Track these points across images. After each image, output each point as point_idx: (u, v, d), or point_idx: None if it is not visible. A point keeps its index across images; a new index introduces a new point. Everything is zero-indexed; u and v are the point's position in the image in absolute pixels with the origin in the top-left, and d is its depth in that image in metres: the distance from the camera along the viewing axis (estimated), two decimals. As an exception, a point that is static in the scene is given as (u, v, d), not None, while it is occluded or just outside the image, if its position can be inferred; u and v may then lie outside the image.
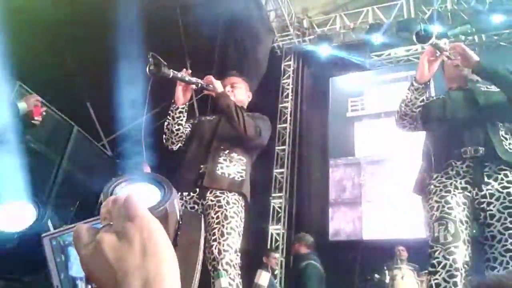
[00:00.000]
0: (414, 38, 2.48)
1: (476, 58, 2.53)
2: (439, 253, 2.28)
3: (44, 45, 4.89)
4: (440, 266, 2.24)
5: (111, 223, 0.58)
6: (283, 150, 7.67)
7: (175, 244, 0.58)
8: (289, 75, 8.43)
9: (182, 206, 2.51)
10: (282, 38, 8.62)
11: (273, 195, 7.37)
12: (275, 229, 7.10)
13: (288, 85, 8.33)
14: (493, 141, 2.40)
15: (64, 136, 4.60)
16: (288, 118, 7.96)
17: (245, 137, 2.73)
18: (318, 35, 8.23)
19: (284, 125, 7.89)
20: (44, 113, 3.18)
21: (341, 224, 7.00)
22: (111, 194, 0.67)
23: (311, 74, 8.53)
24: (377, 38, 7.54)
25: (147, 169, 4.14)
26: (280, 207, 7.28)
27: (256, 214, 5.50)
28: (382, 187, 6.84)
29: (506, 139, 2.44)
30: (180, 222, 0.69)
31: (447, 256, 2.24)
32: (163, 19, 5.67)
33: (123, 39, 5.19)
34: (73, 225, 0.83)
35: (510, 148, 2.41)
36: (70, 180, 4.50)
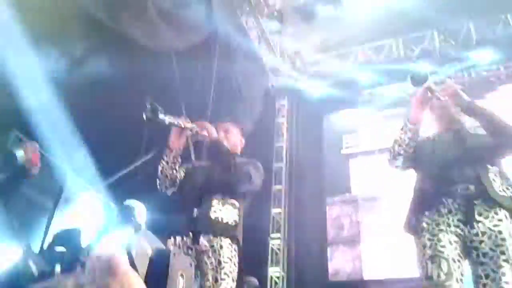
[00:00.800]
0: (409, 82, 2.55)
1: (466, 98, 2.59)
2: None
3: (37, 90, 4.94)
4: None
5: (95, 278, 0.60)
6: (280, 189, 7.65)
7: (146, 280, 0.60)
8: (284, 115, 8.52)
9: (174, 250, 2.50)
10: (275, 78, 8.75)
11: (271, 236, 7.29)
12: (274, 272, 6.97)
13: (283, 124, 8.41)
14: (484, 182, 2.43)
15: (59, 182, 4.59)
16: (284, 157, 7.98)
17: (237, 183, 2.76)
18: (311, 75, 8.37)
19: (280, 164, 7.91)
20: (40, 161, 3.20)
21: (340, 263, 6.92)
22: (88, 253, 0.70)
23: (305, 113, 8.62)
24: (367, 78, 7.70)
25: (142, 214, 4.14)
26: (278, 249, 7.18)
27: (254, 256, 5.44)
28: (380, 224, 6.81)
29: (495, 181, 2.46)
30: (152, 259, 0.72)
31: None
32: (158, 63, 5.78)
33: (119, 83, 5.27)
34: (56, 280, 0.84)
35: (500, 190, 2.43)
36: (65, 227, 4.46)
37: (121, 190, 5.48)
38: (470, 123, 2.70)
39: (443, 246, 2.36)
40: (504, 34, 7.21)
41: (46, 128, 4.63)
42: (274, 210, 7.49)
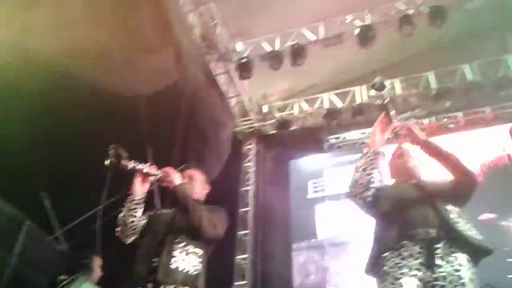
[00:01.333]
0: (370, 87, 2.66)
1: (423, 136, 2.69)
2: None
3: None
4: None
5: None
6: (246, 234, 7.54)
7: None
8: (250, 159, 8.54)
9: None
10: (243, 123, 8.83)
11: (235, 283, 7.12)
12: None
13: (249, 168, 8.42)
14: (449, 222, 2.48)
15: (14, 230, 4.40)
16: (250, 202, 7.92)
17: (200, 231, 2.73)
18: (278, 120, 8.49)
19: (246, 209, 7.83)
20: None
21: (307, 310, 6.83)
22: None
23: (272, 157, 8.67)
24: (332, 124, 7.89)
25: (99, 263, 4.01)
26: (243, 296, 7.01)
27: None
28: (346, 270, 6.79)
29: (458, 222, 2.51)
30: None
31: None
32: (124, 107, 5.76)
33: (83, 127, 5.21)
34: None
35: (463, 230, 2.48)
36: (19, 279, 4.24)
37: (80, 237, 5.30)
38: (427, 176, 2.79)
39: None
40: (462, 83, 7.54)
41: (4, 170, 4.50)
42: (239, 257, 7.35)
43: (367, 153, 2.71)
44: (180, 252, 2.69)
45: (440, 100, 7.63)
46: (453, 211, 2.55)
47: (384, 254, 2.55)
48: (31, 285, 4.24)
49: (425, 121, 7.98)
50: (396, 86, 7.84)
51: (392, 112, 2.70)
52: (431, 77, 7.77)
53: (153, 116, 6.17)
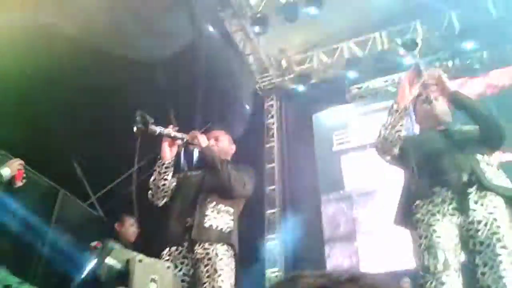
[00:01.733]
0: (400, 45, 2.58)
1: (452, 87, 2.61)
2: (430, 283, 2.27)
3: (25, 107, 4.91)
4: None
5: None
6: (273, 190, 7.63)
7: None
8: (273, 115, 8.52)
9: (170, 261, 2.47)
10: (262, 80, 8.75)
11: (267, 237, 7.28)
12: (272, 272, 6.98)
13: (273, 124, 8.40)
14: (477, 170, 2.43)
15: (50, 201, 4.53)
16: (275, 158, 7.97)
17: (230, 190, 2.77)
18: (297, 74, 8.38)
19: (272, 164, 7.89)
20: (24, 176, 3.21)
21: (338, 260, 6.93)
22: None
23: (294, 112, 8.62)
24: (353, 73, 7.77)
25: (131, 223, 4.12)
26: (275, 249, 7.19)
27: (251, 259, 5.42)
28: (375, 219, 6.82)
29: (487, 170, 2.47)
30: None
31: (439, 286, 2.24)
32: (145, 73, 5.76)
33: (108, 94, 5.25)
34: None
35: (492, 179, 2.44)
36: (58, 247, 4.40)
37: (113, 202, 5.45)
38: (454, 124, 2.73)
39: (438, 237, 2.36)
40: (486, 21, 7.25)
41: (35, 143, 4.59)
42: (269, 212, 7.48)
43: (397, 110, 2.61)
44: (212, 211, 2.75)
45: (463, 40, 7.39)
46: (481, 160, 2.51)
47: (416, 203, 2.53)
48: (68, 253, 4.40)
49: (449, 63, 7.73)
50: (417, 28, 7.58)
51: (422, 67, 2.61)
52: (454, 16, 7.49)
53: (172, 79, 6.16)
